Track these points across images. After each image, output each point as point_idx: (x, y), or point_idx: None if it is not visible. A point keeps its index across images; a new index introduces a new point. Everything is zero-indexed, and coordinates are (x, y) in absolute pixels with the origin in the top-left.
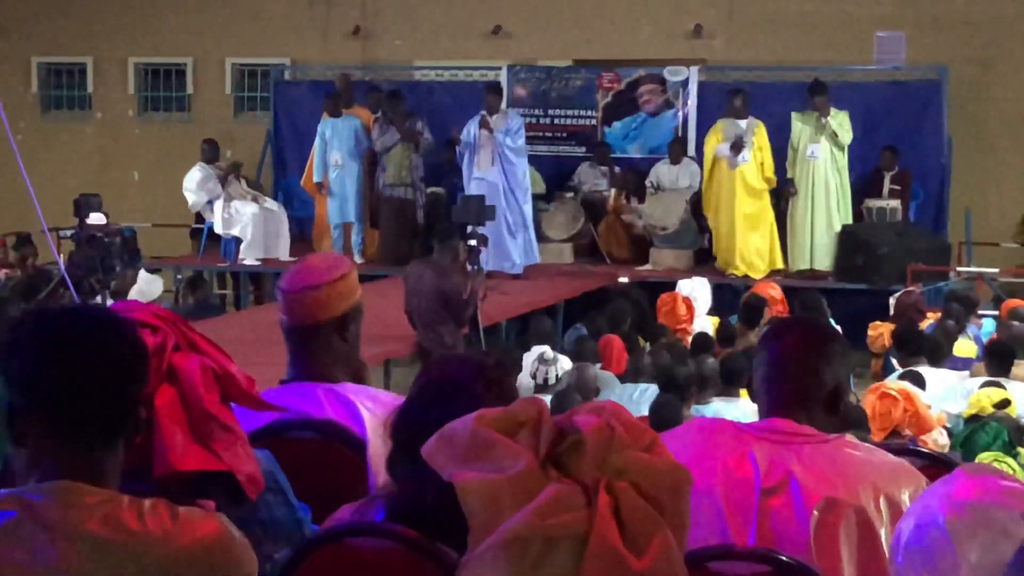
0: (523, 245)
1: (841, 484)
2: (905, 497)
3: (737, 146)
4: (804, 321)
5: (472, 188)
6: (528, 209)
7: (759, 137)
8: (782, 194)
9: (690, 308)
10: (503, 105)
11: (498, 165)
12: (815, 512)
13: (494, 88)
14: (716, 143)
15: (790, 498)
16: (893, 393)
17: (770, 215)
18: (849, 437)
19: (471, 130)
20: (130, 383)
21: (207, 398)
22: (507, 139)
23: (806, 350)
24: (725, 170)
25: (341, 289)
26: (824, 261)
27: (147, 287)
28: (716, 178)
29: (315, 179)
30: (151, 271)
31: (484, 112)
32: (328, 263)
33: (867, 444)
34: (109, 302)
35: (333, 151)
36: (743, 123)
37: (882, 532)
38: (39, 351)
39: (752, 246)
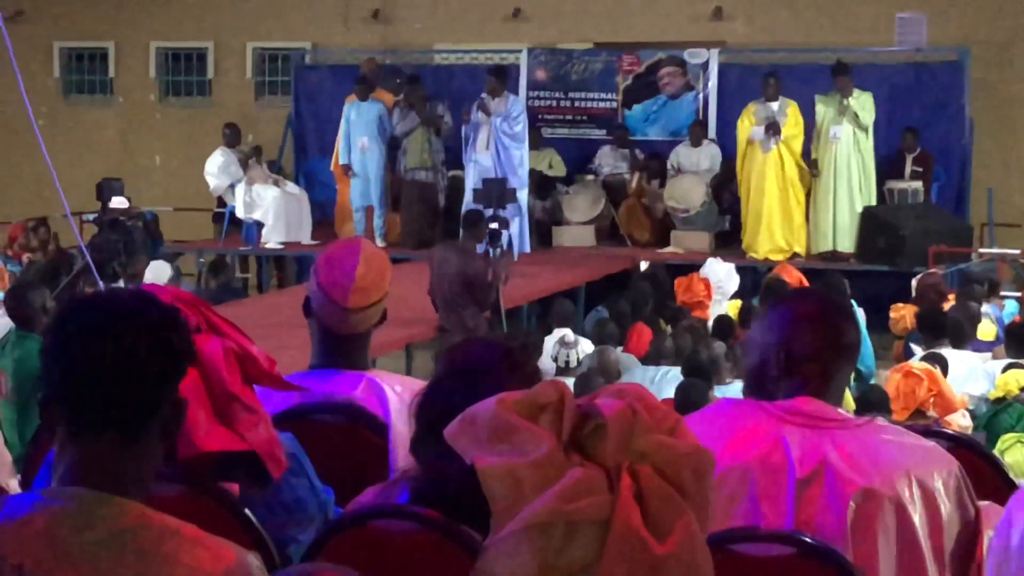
0: (517, 234)
1: (876, 472)
2: (938, 484)
3: (771, 129)
4: (815, 291)
5: (469, 171)
6: (523, 197)
7: (792, 115)
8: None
9: (707, 286)
10: (522, 89)
11: (493, 150)
12: (851, 503)
13: (496, 71)
14: (749, 126)
15: (826, 488)
16: (917, 373)
17: (801, 199)
18: (880, 420)
19: (475, 113)
20: (161, 379)
21: (229, 379)
22: (504, 124)
23: (830, 318)
24: (759, 153)
25: (388, 292)
26: (846, 243)
27: (154, 274)
28: (749, 161)
29: (340, 161)
30: (173, 255)
31: (484, 95)
32: (376, 271)
33: (897, 427)
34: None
35: (359, 135)
36: (775, 105)
37: (916, 520)
38: (67, 339)
39: (781, 230)
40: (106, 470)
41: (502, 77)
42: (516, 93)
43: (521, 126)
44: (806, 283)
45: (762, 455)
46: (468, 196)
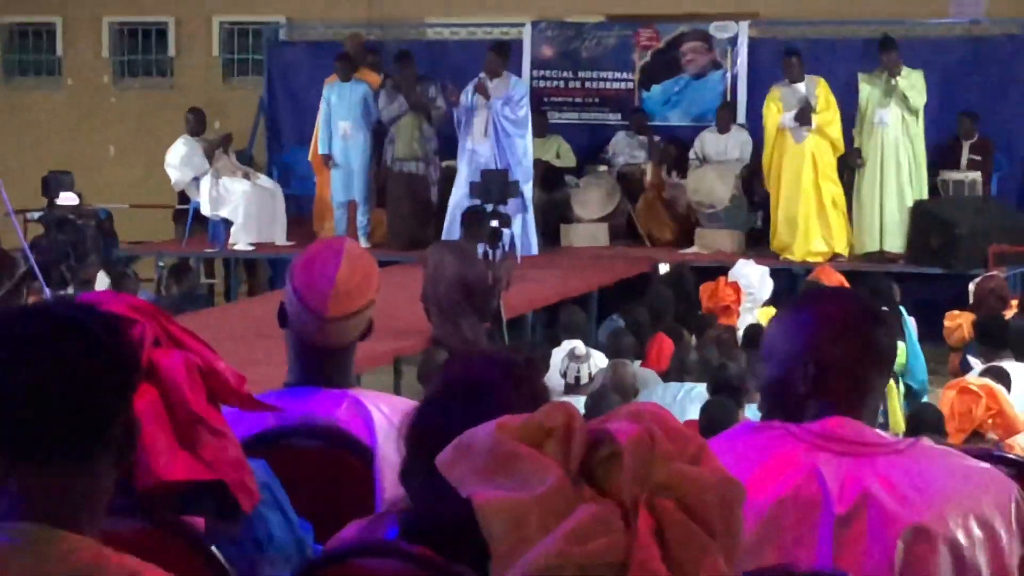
0: (520, 233)
1: (927, 506)
2: (996, 514)
3: (804, 114)
4: (843, 291)
5: (463, 162)
6: (528, 191)
7: (822, 95)
8: (847, 164)
9: (737, 290)
10: (526, 68)
11: (492, 138)
12: (900, 543)
13: (497, 47)
14: (777, 113)
15: (869, 525)
16: (975, 389)
17: (840, 193)
18: (926, 442)
19: (469, 95)
20: (108, 395)
21: (193, 398)
22: (505, 109)
23: (870, 322)
24: (790, 142)
25: (374, 300)
26: (895, 242)
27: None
28: (779, 151)
29: (320, 151)
30: (129, 258)
31: (482, 75)
32: (361, 275)
33: (945, 448)
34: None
35: (340, 120)
36: (801, 86)
37: (976, 560)
38: None
39: (816, 228)
40: (54, 502)
41: (504, 55)
42: (519, 73)
43: (524, 111)
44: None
45: (794, 489)
46: (460, 191)
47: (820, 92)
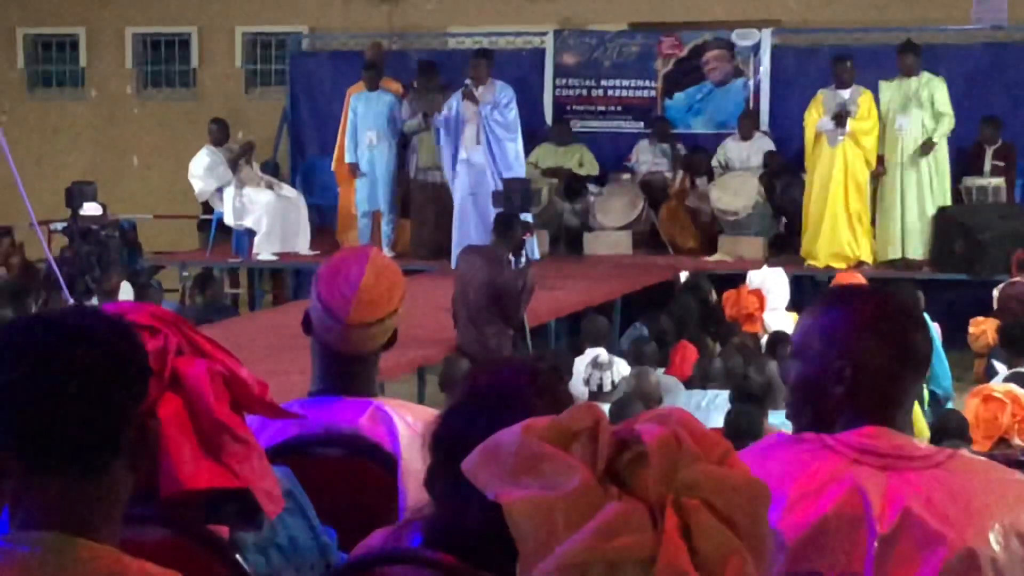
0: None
1: (967, 524)
2: None
3: (841, 118)
4: (879, 291)
5: (458, 171)
6: None
7: (864, 105)
8: (871, 173)
9: (760, 298)
10: (548, 77)
11: (484, 144)
12: (944, 565)
13: (482, 53)
14: (817, 117)
15: (915, 546)
16: (999, 396)
17: (866, 202)
18: (965, 453)
19: (453, 104)
20: (120, 401)
21: (217, 406)
22: (495, 113)
23: (908, 324)
24: (825, 148)
25: (400, 310)
26: (917, 249)
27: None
28: (815, 157)
29: (347, 160)
30: (154, 268)
31: (469, 82)
32: (386, 283)
33: (981, 459)
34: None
35: (366, 130)
36: (846, 93)
37: None
38: (8, 368)
39: (844, 235)
40: (72, 510)
41: (489, 60)
42: (541, 82)
43: (513, 114)
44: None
45: (837, 506)
46: (458, 204)
47: (863, 101)
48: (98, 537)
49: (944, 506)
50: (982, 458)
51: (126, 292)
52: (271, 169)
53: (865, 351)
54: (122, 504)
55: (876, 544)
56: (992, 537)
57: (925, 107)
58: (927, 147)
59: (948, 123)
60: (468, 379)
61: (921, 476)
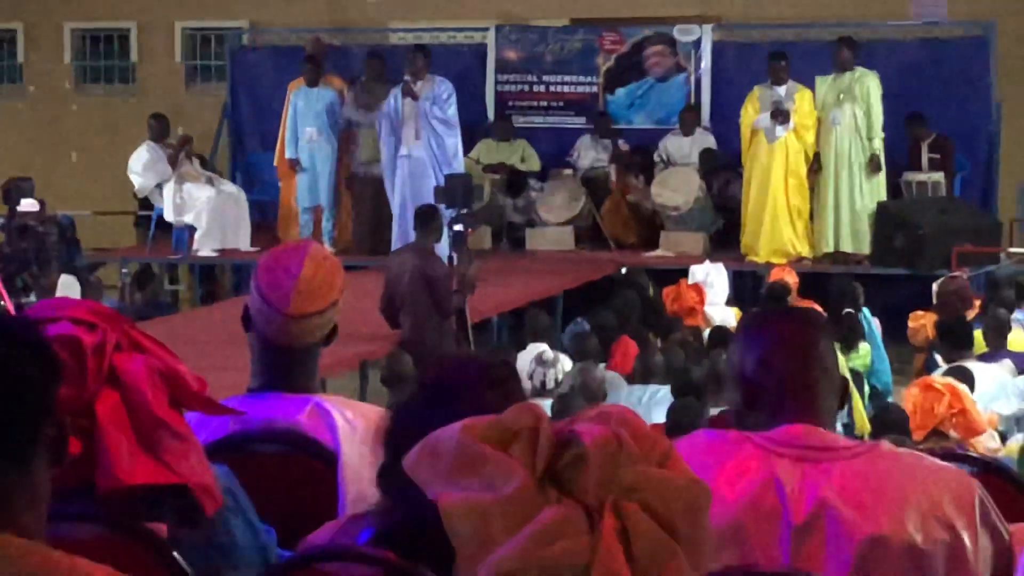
0: None
1: (884, 512)
2: (958, 514)
3: (778, 115)
4: (791, 308)
5: (398, 167)
6: None
7: (801, 105)
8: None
9: (700, 292)
10: (490, 73)
11: (425, 139)
12: (856, 552)
13: (420, 49)
14: (753, 114)
15: (826, 535)
16: (938, 387)
17: (806, 197)
18: (885, 445)
19: (391, 101)
20: (38, 395)
21: (155, 402)
22: (435, 108)
23: (813, 337)
24: (763, 144)
25: (340, 302)
26: (851, 243)
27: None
28: (752, 153)
29: (287, 155)
30: (93, 265)
31: (408, 77)
32: (326, 273)
33: (906, 450)
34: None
35: (306, 126)
36: (782, 89)
37: (941, 562)
38: None
39: (785, 231)
40: None
41: (427, 55)
42: (483, 78)
43: (452, 109)
44: (799, 288)
45: (752, 497)
46: (398, 199)
47: (799, 98)
48: (24, 533)
49: (859, 495)
50: (905, 449)
51: (72, 288)
52: (211, 165)
53: (780, 364)
54: (45, 501)
55: (791, 534)
56: (910, 524)
57: (859, 101)
58: (875, 165)
59: (877, 123)
60: (420, 374)
61: (838, 467)
